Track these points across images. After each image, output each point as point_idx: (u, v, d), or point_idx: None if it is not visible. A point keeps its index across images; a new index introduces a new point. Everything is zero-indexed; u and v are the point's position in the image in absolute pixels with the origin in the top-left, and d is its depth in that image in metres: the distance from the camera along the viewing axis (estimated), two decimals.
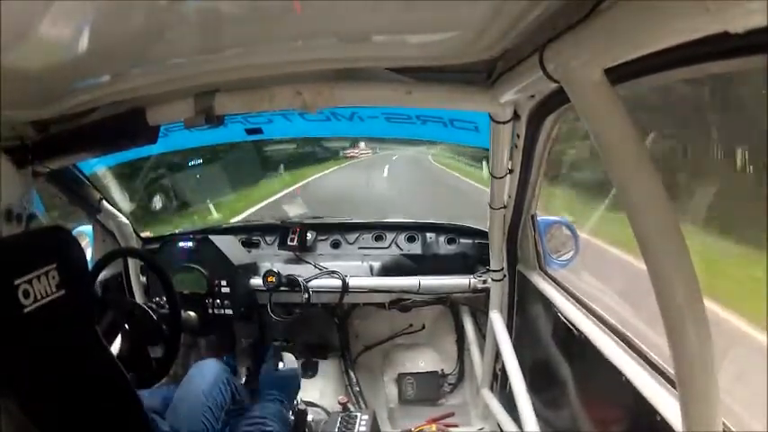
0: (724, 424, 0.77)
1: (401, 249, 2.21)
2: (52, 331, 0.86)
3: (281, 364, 1.51)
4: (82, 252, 0.99)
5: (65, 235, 0.96)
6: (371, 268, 2.11)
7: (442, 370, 2.33)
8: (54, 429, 0.83)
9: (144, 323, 1.35)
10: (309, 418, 1.79)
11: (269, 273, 2.00)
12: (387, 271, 2.11)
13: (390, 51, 1.00)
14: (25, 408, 0.79)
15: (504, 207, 1.59)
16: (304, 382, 2.21)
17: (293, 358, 1.53)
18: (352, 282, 2.01)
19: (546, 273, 1.61)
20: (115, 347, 1.64)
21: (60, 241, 0.94)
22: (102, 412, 0.93)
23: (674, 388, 0.75)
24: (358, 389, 2.28)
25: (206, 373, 1.45)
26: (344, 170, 11.65)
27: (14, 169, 1.22)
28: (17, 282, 0.79)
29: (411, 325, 2.38)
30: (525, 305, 1.71)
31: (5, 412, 0.77)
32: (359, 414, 1.79)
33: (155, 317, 1.38)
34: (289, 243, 2.19)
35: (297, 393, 1.51)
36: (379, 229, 2.29)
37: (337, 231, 2.31)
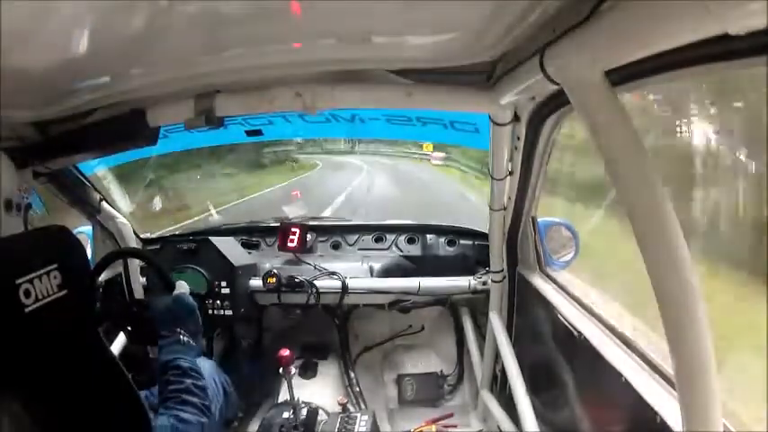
0: (724, 425, 0.77)
1: (401, 251, 2.21)
2: (54, 331, 0.86)
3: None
4: (84, 252, 0.99)
5: (66, 235, 0.96)
6: (371, 269, 2.11)
7: (442, 371, 2.33)
8: (55, 428, 0.83)
9: (143, 323, 1.35)
10: None
11: (269, 274, 1.99)
12: (387, 272, 2.11)
13: (390, 53, 1.00)
14: (27, 407, 0.79)
15: (504, 209, 1.59)
16: (304, 383, 2.21)
17: (185, 284, 1.36)
18: (352, 283, 2.01)
19: (546, 274, 1.61)
20: (116, 347, 1.65)
21: (62, 241, 0.94)
22: (104, 411, 0.93)
23: (674, 389, 0.75)
24: (358, 389, 2.28)
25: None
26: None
27: (11, 163, 1.22)
28: (18, 281, 0.79)
29: (411, 326, 2.38)
30: (525, 306, 1.71)
31: (7, 411, 0.77)
32: (358, 415, 1.78)
33: None
34: (289, 244, 2.19)
35: (195, 319, 1.30)
36: (379, 231, 2.29)
37: (337, 233, 2.31)
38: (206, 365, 1.57)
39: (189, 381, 1.14)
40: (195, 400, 1.13)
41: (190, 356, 1.20)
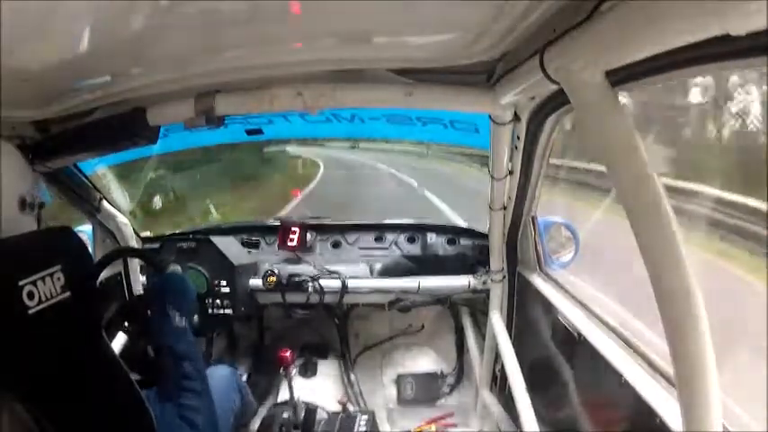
0: (723, 426, 0.77)
1: (401, 250, 2.21)
2: (57, 333, 0.85)
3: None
4: (88, 253, 0.99)
5: (70, 236, 0.96)
6: (371, 269, 2.11)
7: (442, 371, 2.33)
8: (58, 429, 0.84)
9: (143, 325, 1.35)
10: None
11: (269, 273, 1.99)
12: (387, 272, 2.11)
13: (391, 52, 1.00)
14: (30, 408, 0.79)
15: (504, 208, 1.59)
16: (304, 382, 2.21)
17: (178, 267, 1.40)
18: (352, 282, 2.01)
19: (546, 274, 1.61)
20: (116, 347, 1.65)
21: (66, 242, 0.94)
22: (107, 412, 0.93)
23: (675, 389, 0.75)
24: (357, 389, 2.28)
25: (216, 380, 1.45)
26: None
27: (24, 161, 1.22)
28: (21, 283, 0.79)
29: (410, 325, 2.38)
30: (525, 306, 1.71)
31: (10, 412, 0.77)
32: (358, 414, 1.79)
33: None
34: (289, 243, 2.19)
35: (187, 296, 1.30)
36: (379, 230, 2.29)
37: (338, 232, 2.31)
38: (225, 372, 1.58)
39: (185, 365, 1.13)
40: (194, 384, 1.13)
41: (183, 338, 1.19)
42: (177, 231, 2.43)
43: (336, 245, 2.28)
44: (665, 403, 0.89)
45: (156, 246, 2.12)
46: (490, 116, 1.25)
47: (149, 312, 1.25)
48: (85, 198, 1.69)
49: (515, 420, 1.57)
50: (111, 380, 0.98)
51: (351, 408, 2.15)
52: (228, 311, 1.98)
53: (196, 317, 1.44)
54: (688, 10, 0.43)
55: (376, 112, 1.86)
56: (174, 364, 1.13)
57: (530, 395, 1.48)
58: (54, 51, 0.80)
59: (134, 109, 1.17)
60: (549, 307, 1.44)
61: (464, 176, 10.89)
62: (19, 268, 0.81)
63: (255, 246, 2.30)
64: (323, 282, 2.01)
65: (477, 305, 2.16)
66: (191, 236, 2.18)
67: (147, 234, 2.24)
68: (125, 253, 1.88)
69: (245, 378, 2.18)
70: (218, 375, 1.49)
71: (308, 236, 2.21)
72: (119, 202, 1.93)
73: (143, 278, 2.02)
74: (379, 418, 2.00)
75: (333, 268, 2.07)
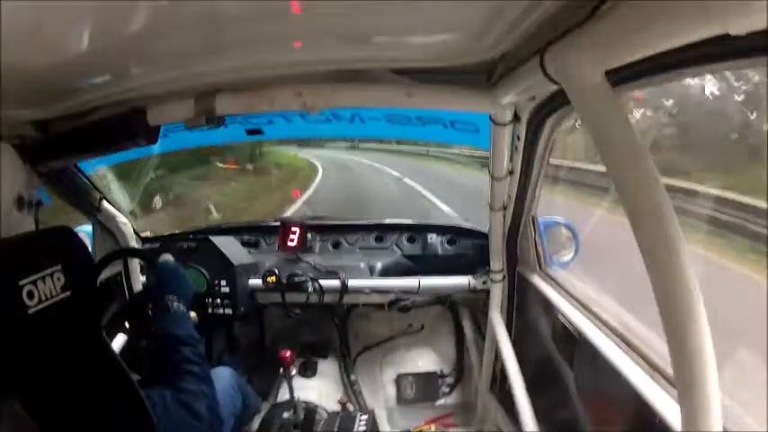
0: (724, 427, 0.77)
1: (401, 250, 2.21)
2: (57, 332, 0.86)
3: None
4: (87, 253, 0.99)
5: (70, 235, 0.96)
6: (371, 269, 2.11)
7: (441, 370, 2.33)
8: (59, 429, 0.83)
9: (144, 323, 1.35)
10: None
11: (269, 273, 2.00)
12: (387, 271, 2.10)
13: (391, 52, 1.00)
14: (30, 408, 0.79)
15: (504, 208, 1.59)
16: (304, 382, 2.21)
17: (169, 255, 1.45)
18: (352, 282, 2.00)
19: (546, 274, 1.61)
20: (116, 347, 1.65)
21: (66, 242, 0.94)
22: (107, 412, 0.93)
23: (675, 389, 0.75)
24: (357, 389, 2.28)
25: (217, 381, 1.45)
26: None
27: (20, 159, 1.22)
28: (22, 282, 0.79)
29: (410, 325, 2.38)
30: (525, 306, 1.72)
31: (9, 412, 0.77)
32: (358, 414, 1.79)
33: None
34: (289, 243, 2.19)
35: (182, 281, 1.35)
36: (379, 230, 2.29)
37: (338, 232, 2.31)
38: (225, 373, 1.58)
39: (186, 349, 1.14)
40: (195, 368, 1.12)
41: (182, 323, 1.19)
42: (177, 231, 2.43)
43: (336, 245, 2.28)
44: (665, 403, 0.89)
45: (156, 246, 2.12)
46: (490, 116, 1.25)
47: (149, 309, 1.25)
48: (85, 198, 1.69)
49: (515, 420, 1.57)
50: (111, 380, 0.98)
51: (351, 407, 2.15)
52: (228, 311, 1.98)
53: (194, 314, 1.45)
54: (688, 10, 0.43)
55: (376, 112, 1.86)
56: (173, 348, 1.13)
57: (530, 395, 1.48)
58: (54, 51, 0.80)
59: (134, 109, 1.17)
60: (548, 307, 1.45)
61: (464, 176, 10.97)
62: (19, 268, 0.81)
63: (255, 245, 2.30)
64: (323, 282, 2.01)
65: (477, 305, 2.15)
66: (191, 236, 2.18)
67: (147, 234, 2.24)
68: (125, 253, 1.88)
69: (245, 378, 2.19)
70: (219, 376, 1.49)
71: (308, 236, 2.21)
72: (119, 202, 1.93)
73: (143, 278, 2.02)
74: (379, 418, 2.00)
75: (333, 268, 2.07)
